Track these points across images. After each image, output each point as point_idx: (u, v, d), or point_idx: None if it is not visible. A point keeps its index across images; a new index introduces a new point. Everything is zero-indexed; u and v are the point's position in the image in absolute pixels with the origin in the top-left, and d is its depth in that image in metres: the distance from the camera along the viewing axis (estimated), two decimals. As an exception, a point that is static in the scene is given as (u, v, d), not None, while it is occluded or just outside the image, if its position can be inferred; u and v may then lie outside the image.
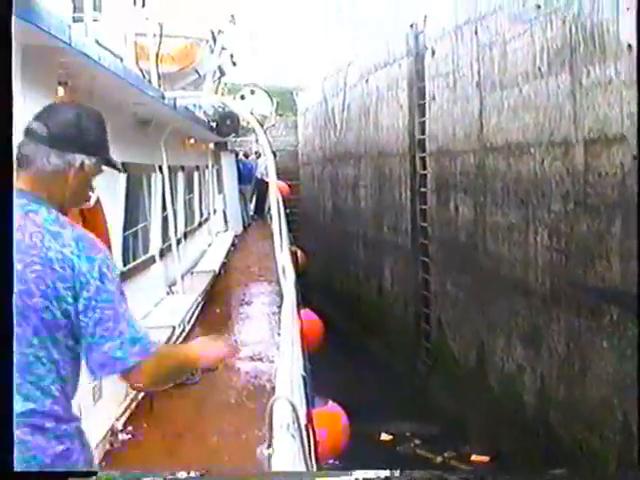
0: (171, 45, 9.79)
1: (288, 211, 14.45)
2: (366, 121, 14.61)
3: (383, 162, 13.48)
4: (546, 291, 7.43)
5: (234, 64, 14.62)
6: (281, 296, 7.25)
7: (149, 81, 7.04)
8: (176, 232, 8.46)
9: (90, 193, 2.29)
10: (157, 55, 7.84)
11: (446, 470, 8.33)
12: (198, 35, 11.17)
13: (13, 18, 1.83)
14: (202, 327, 7.68)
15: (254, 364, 6.34)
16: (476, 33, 8.99)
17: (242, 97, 16.43)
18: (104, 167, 2.27)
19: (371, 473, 2.73)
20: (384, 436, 9.65)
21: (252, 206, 19.12)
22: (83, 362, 2.13)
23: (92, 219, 4.03)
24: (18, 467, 1.93)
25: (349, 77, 15.92)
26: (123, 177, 5.76)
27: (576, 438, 6.87)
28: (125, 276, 5.46)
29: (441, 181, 10.51)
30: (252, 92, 16.71)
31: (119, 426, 4.86)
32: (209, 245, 12.33)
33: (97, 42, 4.57)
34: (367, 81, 14.51)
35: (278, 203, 8.64)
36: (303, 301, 9.33)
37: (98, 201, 4.06)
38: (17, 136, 1.86)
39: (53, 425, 2.03)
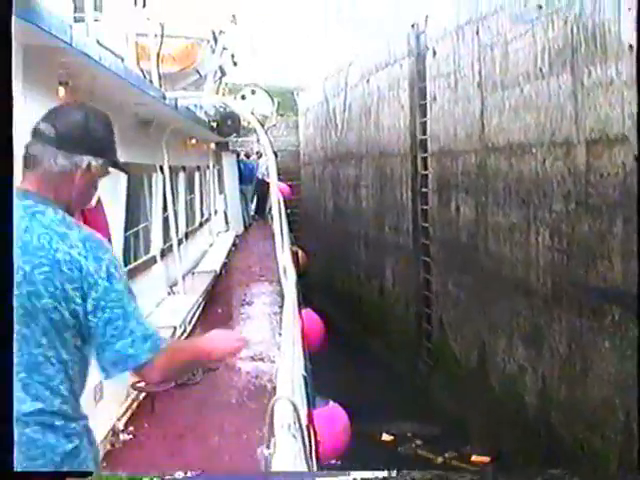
0: (172, 45, 9.78)
1: (289, 211, 14.46)
2: (367, 121, 14.60)
3: (384, 162, 13.47)
4: (547, 291, 7.42)
5: (235, 64, 14.61)
6: (282, 296, 7.26)
7: (150, 81, 7.04)
8: (177, 232, 8.47)
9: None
10: (158, 55, 7.84)
11: (447, 470, 8.33)
12: (199, 35, 11.16)
13: (13, 18, 1.83)
14: (203, 327, 7.66)
15: (255, 364, 6.33)
16: (477, 33, 8.99)
17: (243, 97, 16.41)
18: (109, 168, 2.28)
19: (369, 473, 2.74)
20: (385, 436, 9.64)
21: (253, 206, 19.10)
22: (90, 361, 2.14)
23: (93, 219, 4.02)
24: (29, 466, 1.95)
25: (350, 77, 15.91)
26: (124, 177, 5.74)
27: (577, 438, 6.86)
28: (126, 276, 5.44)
29: (442, 181, 10.50)
30: (253, 92, 16.68)
31: (120, 426, 4.86)
32: (210, 245, 12.33)
33: (98, 42, 4.57)
34: (368, 81, 14.49)
35: (279, 203, 8.64)
36: (304, 301, 9.34)
37: (99, 201, 4.06)
38: (17, 136, 1.86)
39: (62, 423, 2.05)
